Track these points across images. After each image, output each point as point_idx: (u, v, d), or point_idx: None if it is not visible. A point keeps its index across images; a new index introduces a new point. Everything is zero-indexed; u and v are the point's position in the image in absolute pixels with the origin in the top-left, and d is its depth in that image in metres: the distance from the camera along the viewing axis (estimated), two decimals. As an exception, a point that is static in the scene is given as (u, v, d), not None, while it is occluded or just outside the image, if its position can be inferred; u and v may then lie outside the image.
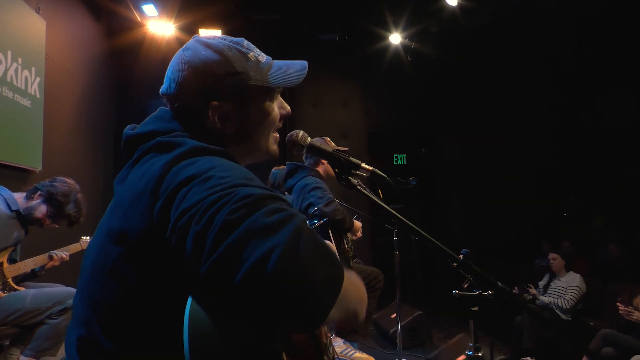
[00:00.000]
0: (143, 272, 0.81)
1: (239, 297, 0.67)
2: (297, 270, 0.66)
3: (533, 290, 4.74)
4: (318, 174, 3.27)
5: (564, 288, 4.61)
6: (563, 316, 4.49)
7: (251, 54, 1.03)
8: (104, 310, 0.84)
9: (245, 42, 1.05)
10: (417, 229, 1.31)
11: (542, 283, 4.87)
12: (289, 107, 1.11)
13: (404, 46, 6.37)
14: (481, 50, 6.46)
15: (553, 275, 4.80)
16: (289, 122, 6.29)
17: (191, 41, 1.03)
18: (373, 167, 1.33)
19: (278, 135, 1.11)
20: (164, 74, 1.04)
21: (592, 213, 6.41)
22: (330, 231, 2.89)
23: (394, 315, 4.09)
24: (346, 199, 5.73)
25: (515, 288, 4.82)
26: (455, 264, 1.28)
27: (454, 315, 5.29)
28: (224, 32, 5.64)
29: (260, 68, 1.02)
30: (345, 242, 3.14)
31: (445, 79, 6.77)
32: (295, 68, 1.07)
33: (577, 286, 4.55)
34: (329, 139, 3.44)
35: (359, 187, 1.28)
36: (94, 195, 4.53)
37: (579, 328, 4.40)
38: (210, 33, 5.54)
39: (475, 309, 1.28)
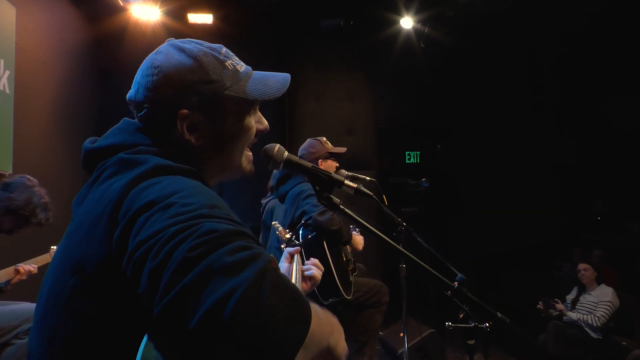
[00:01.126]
0: (100, 306, 0.81)
1: (193, 344, 0.67)
2: (258, 316, 0.66)
3: (560, 306, 4.71)
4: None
5: (595, 303, 4.57)
6: (593, 334, 4.45)
7: (229, 62, 1.04)
8: (58, 347, 0.84)
9: (224, 49, 1.07)
10: (403, 250, 1.29)
11: (570, 297, 4.83)
12: (267, 123, 1.12)
13: (417, 32, 6.33)
14: (501, 37, 6.42)
15: (582, 289, 4.76)
16: (287, 118, 6.31)
17: (164, 44, 1.05)
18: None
19: (251, 154, 1.11)
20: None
21: (623, 218, 6.35)
22: (325, 243, 2.89)
23: (402, 334, 4.07)
24: (350, 203, 5.75)
25: (540, 303, 4.78)
26: (449, 292, 1.28)
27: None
28: (216, 18, 5.64)
29: (237, 77, 1.04)
30: (344, 255, 3.14)
31: (462, 68, 6.74)
32: (276, 80, 1.09)
33: (609, 301, 4.50)
34: (324, 139, 3.44)
35: (341, 207, 1.26)
36: (66, 197, 4.53)
37: (610, 348, 4.36)
38: (200, 18, 5.54)
39: (472, 342, 1.26)
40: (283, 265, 1.72)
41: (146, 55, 1.06)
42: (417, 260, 1.32)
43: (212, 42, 1.09)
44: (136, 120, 1.04)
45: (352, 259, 3.41)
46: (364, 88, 6.57)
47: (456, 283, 1.37)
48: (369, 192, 1.33)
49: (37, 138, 4.30)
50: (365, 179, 3.46)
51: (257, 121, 1.11)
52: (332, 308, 3.12)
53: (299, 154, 3.46)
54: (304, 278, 1.64)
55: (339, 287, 2.92)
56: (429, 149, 7.05)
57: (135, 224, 0.77)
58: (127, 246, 0.77)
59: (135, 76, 1.04)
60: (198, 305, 0.66)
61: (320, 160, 3.34)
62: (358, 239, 3.29)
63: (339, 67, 6.47)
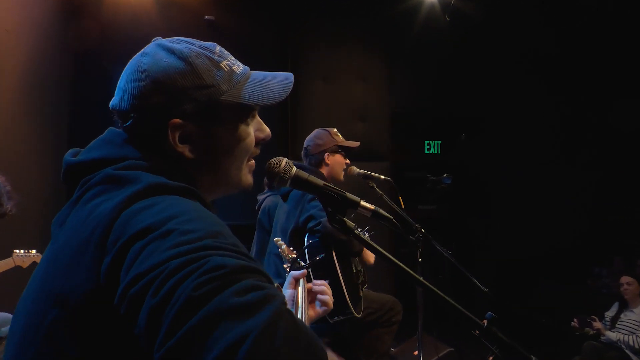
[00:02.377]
0: (85, 343, 0.81)
1: None
2: None
3: (597, 324, 4.67)
4: (322, 177, 3.22)
5: (638, 322, 4.54)
6: (634, 357, 4.42)
7: (224, 62, 1.06)
8: None
9: (218, 47, 1.08)
10: (426, 283, 1.29)
11: (609, 314, 4.80)
12: (268, 131, 1.14)
13: (442, 3, 6.25)
14: (541, 13, 6.31)
15: (624, 305, 4.73)
16: (290, 101, 6.26)
17: (151, 45, 1.06)
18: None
19: (254, 162, 1.13)
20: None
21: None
22: (334, 253, 2.86)
23: (416, 352, 4.06)
24: (361, 197, 5.69)
25: (575, 320, 4.75)
26: (476, 332, 1.28)
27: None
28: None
29: (234, 80, 1.05)
30: (353, 266, 3.12)
31: (493, 47, 6.65)
32: (278, 81, 1.10)
33: (654, 320, 4.48)
34: (335, 130, 3.40)
35: (356, 232, 1.25)
36: (41, 194, 4.50)
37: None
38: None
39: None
40: (287, 292, 1.71)
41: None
42: (440, 293, 1.31)
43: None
44: (121, 130, 1.04)
45: (362, 270, 3.37)
46: (378, 67, 6.49)
47: (485, 321, 1.33)
48: (387, 214, 1.32)
49: None
50: (379, 177, 3.42)
51: (257, 129, 1.12)
52: (338, 326, 3.09)
53: (304, 144, 3.42)
54: (314, 301, 1.62)
55: (348, 304, 2.90)
56: (451, 139, 7.01)
57: (128, 253, 0.78)
58: (118, 278, 0.77)
59: (119, 81, 1.04)
60: (205, 353, 0.66)
61: (327, 153, 3.30)
62: (370, 254, 3.25)
63: (352, 43, 6.38)
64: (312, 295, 1.71)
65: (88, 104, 5.40)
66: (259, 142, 1.12)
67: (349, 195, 1.26)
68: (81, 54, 5.56)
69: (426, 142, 7.02)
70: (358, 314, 2.99)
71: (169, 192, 0.89)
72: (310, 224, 2.94)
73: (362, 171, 3.40)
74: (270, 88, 1.07)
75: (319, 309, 1.66)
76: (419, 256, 3.35)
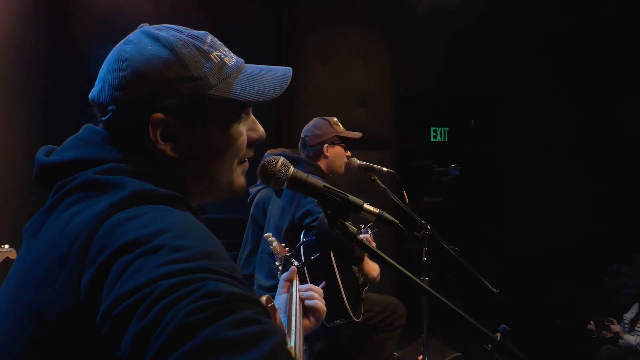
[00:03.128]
0: None
1: None
2: None
3: (616, 327, 4.68)
4: (319, 171, 3.23)
5: (659, 325, 4.55)
6: (655, 363, 4.43)
7: (215, 53, 1.05)
8: None
9: (209, 37, 1.08)
10: (427, 289, 1.30)
11: (628, 316, 4.81)
12: (262, 130, 1.13)
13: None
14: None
15: (644, 307, 4.73)
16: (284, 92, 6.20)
17: (136, 32, 1.05)
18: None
19: (247, 164, 1.13)
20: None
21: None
22: (332, 253, 2.87)
23: (421, 357, 4.08)
24: (360, 190, 5.69)
25: (591, 323, 4.76)
26: (489, 346, 1.29)
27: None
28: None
29: (225, 73, 1.05)
30: (353, 268, 3.12)
31: (508, 24, 6.62)
32: (273, 76, 1.09)
33: (676, 323, 4.49)
34: (335, 119, 3.40)
35: (359, 238, 1.27)
36: (10, 187, 4.48)
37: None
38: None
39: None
40: (279, 299, 1.70)
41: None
42: (449, 303, 1.32)
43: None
44: (101, 126, 1.04)
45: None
46: (381, 47, 6.47)
47: (498, 334, 1.35)
48: (393, 219, 1.33)
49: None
50: (382, 170, 3.43)
51: (250, 128, 1.12)
52: (337, 331, 3.10)
53: (302, 135, 3.42)
54: (306, 311, 1.62)
55: (346, 307, 2.91)
56: (460, 126, 6.99)
57: (112, 268, 0.78)
58: (101, 295, 0.77)
59: (100, 71, 1.04)
60: None
61: (326, 145, 3.31)
62: (373, 266, 3.25)
63: (351, 20, 6.36)
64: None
65: (64, 78, 5.39)
66: (252, 143, 1.12)
67: (351, 197, 1.27)
68: (56, 33, 5.51)
69: (432, 129, 6.98)
70: (357, 318, 3.00)
71: (156, 200, 0.89)
72: (307, 220, 2.95)
73: (364, 163, 3.40)
74: (263, 83, 1.07)
75: (313, 319, 1.65)
76: (424, 255, 3.36)
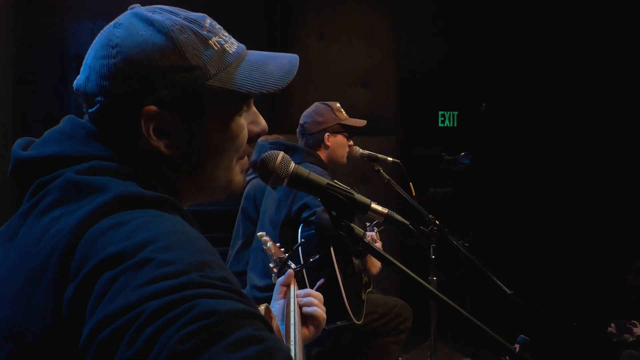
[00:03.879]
0: None
1: None
2: None
3: (638, 330, 4.70)
4: (319, 161, 3.23)
5: (686, 328, 4.58)
6: (681, 369, 4.46)
7: (214, 39, 1.04)
8: None
9: (208, 20, 1.07)
10: (439, 295, 1.31)
11: (652, 318, 4.83)
12: (264, 124, 1.14)
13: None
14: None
15: (670, 308, 4.76)
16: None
17: (127, 14, 1.04)
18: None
19: (247, 160, 1.14)
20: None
21: None
22: (332, 250, 2.88)
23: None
24: (362, 180, 5.69)
25: (612, 326, 4.79)
26: (507, 358, 1.30)
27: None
28: None
29: (225, 62, 1.04)
30: (355, 265, 3.13)
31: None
32: (279, 65, 1.09)
33: None
34: (338, 105, 3.41)
35: (366, 241, 1.27)
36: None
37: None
38: None
39: None
40: (276, 306, 1.70)
41: None
42: (463, 312, 1.33)
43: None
44: (86, 119, 1.03)
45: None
46: (384, 23, 6.43)
47: (517, 346, 1.34)
48: (403, 219, 1.34)
49: None
50: (386, 159, 3.44)
51: (252, 121, 1.11)
52: (337, 334, 3.11)
53: (300, 121, 3.42)
54: (305, 318, 1.63)
55: (347, 309, 2.92)
56: (470, 109, 6.97)
57: (96, 285, 0.77)
58: (84, 313, 0.77)
59: (86, 57, 1.03)
60: None
61: (327, 133, 3.32)
62: (375, 262, 3.26)
63: (353, -5, 6.32)
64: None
65: (34, 63, 5.36)
66: (253, 137, 1.12)
67: (357, 196, 1.26)
68: (28, 17, 5.47)
69: (440, 113, 6.99)
70: (358, 320, 3.01)
71: (144, 204, 0.88)
72: (305, 214, 2.96)
73: (367, 152, 3.41)
74: (268, 73, 1.06)
75: (312, 328, 1.65)
76: (432, 252, 3.37)
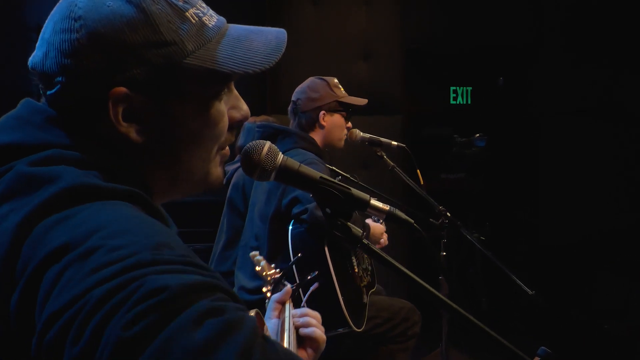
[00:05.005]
0: None
1: None
2: None
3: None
4: (313, 146, 3.24)
5: None
6: None
7: (191, 11, 1.04)
8: None
9: None
10: (449, 303, 1.36)
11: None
12: (246, 108, 1.14)
13: None
14: None
15: None
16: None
17: None
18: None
19: (228, 150, 1.14)
20: None
21: None
22: (326, 249, 2.88)
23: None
24: (363, 166, 5.69)
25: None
26: None
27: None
28: None
29: (204, 37, 1.04)
30: (355, 263, 3.13)
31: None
32: (265, 40, 1.09)
33: None
34: (336, 81, 3.40)
35: (364, 242, 1.28)
36: None
37: None
38: None
39: None
40: (269, 325, 1.72)
41: None
42: (476, 321, 1.35)
43: None
44: (44, 102, 1.02)
45: (369, 268, 3.40)
46: (388, -13, 6.41)
47: (537, 358, 1.37)
48: (406, 217, 1.35)
49: None
50: (390, 144, 3.45)
51: (233, 106, 1.12)
52: (335, 343, 3.12)
53: (293, 98, 3.42)
54: (302, 340, 1.64)
55: (344, 315, 2.93)
56: (486, 84, 6.97)
57: (41, 284, 0.77)
58: (32, 318, 0.76)
59: (43, 30, 1.02)
60: None
61: (323, 112, 3.32)
62: (376, 230, 3.26)
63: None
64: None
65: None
66: (235, 124, 1.12)
67: (355, 192, 1.27)
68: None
69: (452, 89, 6.98)
70: (359, 327, 3.02)
71: (100, 197, 0.88)
72: (296, 210, 2.96)
73: (368, 135, 3.41)
74: (253, 50, 1.06)
75: (310, 350, 1.67)
76: (442, 248, 3.39)
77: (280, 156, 1.26)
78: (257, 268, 2.24)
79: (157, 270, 0.73)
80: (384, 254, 1.31)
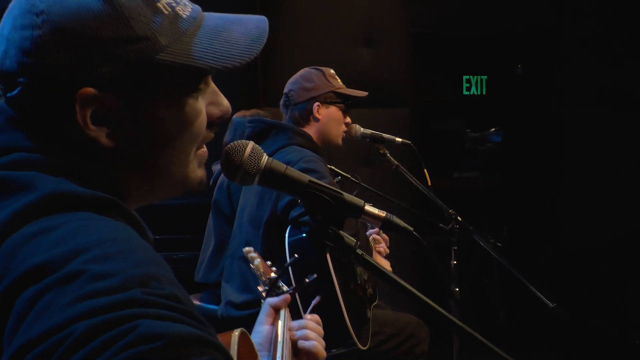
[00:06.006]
0: None
1: None
2: None
3: None
4: (309, 142, 3.23)
5: None
6: None
7: (164, 1, 1.05)
8: None
9: None
10: (458, 323, 1.36)
11: None
12: (227, 104, 1.15)
13: None
14: None
15: None
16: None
17: None
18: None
19: (205, 151, 1.15)
20: None
21: None
22: (329, 258, 2.87)
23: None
24: (365, 164, 5.68)
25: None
26: None
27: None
28: None
29: (179, 30, 1.05)
30: (357, 276, 3.12)
31: None
32: (245, 31, 1.10)
33: None
34: (332, 72, 3.40)
35: (358, 252, 1.29)
36: None
37: None
38: None
39: None
40: (260, 331, 1.71)
41: None
42: (488, 343, 1.37)
43: None
44: (2, 102, 1.02)
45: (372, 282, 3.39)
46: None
47: None
48: (405, 225, 1.36)
49: None
50: (394, 140, 3.44)
51: (211, 102, 1.12)
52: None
53: (285, 90, 3.42)
54: (297, 353, 1.64)
55: (349, 331, 2.92)
56: (502, 73, 6.97)
57: (15, 305, 0.76)
58: (1, 342, 0.76)
59: (1, 27, 1.03)
60: None
61: (317, 103, 3.31)
62: (384, 266, 3.26)
63: None
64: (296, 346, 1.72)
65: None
66: (214, 121, 1.13)
67: (347, 197, 1.28)
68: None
69: (465, 77, 6.97)
70: (364, 345, 3.01)
71: (79, 206, 0.88)
72: (295, 212, 2.95)
73: (369, 131, 3.41)
74: (232, 41, 1.07)
75: None
76: (453, 257, 3.38)
77: (265, 158, 1.27)
78: (252, 266, 2.23)
79: (151, 314, 0.73)
80: (381, 267, 1.32)
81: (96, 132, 1.00)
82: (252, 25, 1.11)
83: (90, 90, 0.98)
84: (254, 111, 4.38)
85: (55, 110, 0.99)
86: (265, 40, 1.10)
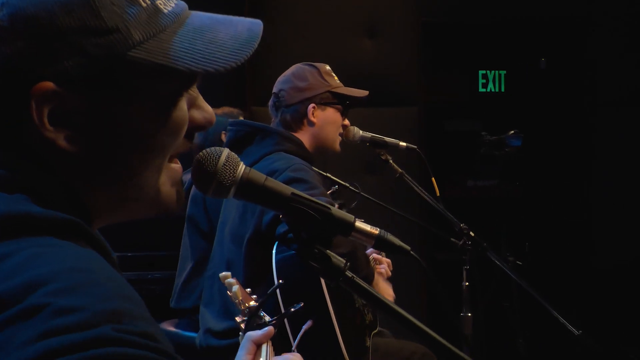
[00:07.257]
0: None
1: None
2: None
3: None
4: (299, 148, 3.24)
5: None
6: None
7: None
8: None
9: None
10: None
11: None
12: (210, 111, 1.15)
13: None
14: None
15: None
16: (249, 7, 6.15)
17: None
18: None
19: (179, 167, 1.15)
20: None
21: None
22: (323, 281, 2.87)
23: None
24: (369, 171, 5.68)
25: None
26: None
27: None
28: None
29: (157, 25, 1.04)
30: (355, 299, 3.12)
31: None
32: (235, 33, 1.10)
33: None
34: (328, 68, 3.41)
35: (347, 274, 1.29)
36: None
37: None
38: None
39: None
40: None
41: None
42: None
43: None
44: None
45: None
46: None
47: None
48: (400, 243, 1.35)
49: None
50: (397, 145, 3.45)
51: (193, 106, 1.12)
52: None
53: (274, 89, 3.43)
54: None
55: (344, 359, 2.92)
56: (523, 67, 6.98)
57: None
58: None
59: None
60: None
61: (313, 105, 3.31)
62: (386, 290, 3.25)
63: None
64: None
65: None
66: (195, 129, 1.13)
67: (336, 212, 1.27)
68: None
69: (481, 73, 7.00)
70: None
71: (36, 230, 0.88)
72: (282, 229, 2.94)
73: (369, 134, 3.41)
74: (217, 43, 1.06)
75: None
76: (465, 278, 3.38)
77: (242, 167, 1.27)
78: (229, 293, 2.22)
79: (127, 354, 0.74)
80: (375, 292, 1.32)
81: (54, 134, 0.99)
82: (243, 28, 1.11)
83: (49, 84, 0.96)
84: (226, 109, 4.37)
85: (12, 108, 0.98)
86: (256, 44, 1.09)
